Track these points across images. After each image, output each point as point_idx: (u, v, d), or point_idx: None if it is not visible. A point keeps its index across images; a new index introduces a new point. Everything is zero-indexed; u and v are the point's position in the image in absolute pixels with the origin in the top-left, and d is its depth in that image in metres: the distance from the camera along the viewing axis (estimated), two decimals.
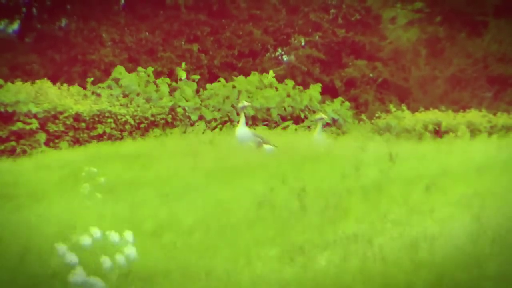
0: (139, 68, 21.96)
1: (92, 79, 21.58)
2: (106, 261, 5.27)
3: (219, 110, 20.59)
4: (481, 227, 5.96)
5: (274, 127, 19.99)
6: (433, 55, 31.25)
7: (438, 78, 30.61)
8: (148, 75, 21.34)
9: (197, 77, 22.25)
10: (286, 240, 6.33)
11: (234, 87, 21.36)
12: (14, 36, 33.08)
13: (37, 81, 19.34)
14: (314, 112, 20.59)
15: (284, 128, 19.95)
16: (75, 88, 20.18)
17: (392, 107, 21.88)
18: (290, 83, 22.04)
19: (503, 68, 29.79)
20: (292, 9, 33.94)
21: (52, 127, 18.37)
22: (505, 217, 6.26)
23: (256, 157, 12.54)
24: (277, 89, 21.68)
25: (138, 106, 19.77)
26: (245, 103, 15.62)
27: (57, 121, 18.47)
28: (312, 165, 10.44)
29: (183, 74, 21.79)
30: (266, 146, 14.35)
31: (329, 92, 29.18)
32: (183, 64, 22.59)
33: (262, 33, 33.08)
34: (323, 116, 16.65)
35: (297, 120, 20.87)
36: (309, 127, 20.12)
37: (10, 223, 7.46)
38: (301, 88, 21.99)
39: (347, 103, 22.50)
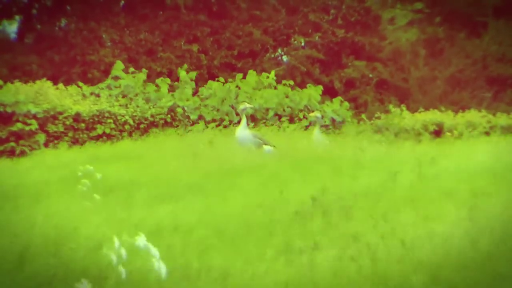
0: (131, 69, 22.01)
1: (88, 85, 21.58)
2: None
3: (218, 110, 20.60)
4: (480, 227, 5.96)
5: (273, 127, 19.98)
6: (433, 55, 31.27)
7: (437, 78, 30.62)
8: (146, 76, 21.41)
9: (195, 73, 22.27)
10: (286, 241, 6.33)
11: (236, 87, 21.38)
12: (13, 36, 33.09)
13: (37, 82, 19.34)
14: (313, 112, 20.60)
15: (283, 128, 19.94)
16: (74, 89, 20.20)
17: (391, 108, 21.87)
18: (289, 83, 22.05)
19: (502, 68, 29.82)
20: (292, 9, 33.95)
21: (51, 128, 18.36)
22: (505, 217, 6.27)
23: (255, 158, 12.54)
24: (276, 89, 21.69)
25: (137, 106, 19.78)
26: (247, 105, 15.59)
27: (56, 121, 18.47)
28: (311, 165, 10.44)
29: (183, 74, 21.80)
30: (265, 147, 14.34)
31: (328, 92, 29.16)
32: (185, 65, 22.60)
33: (262, 34, 33.08)
34: (318, 115, 16.60)
35: (296, 120, 20.87)
36: (307, 126, 20.11)
37: (10, 224, 7.45)
38: (300, 89, 22.00)
39: (347, 103, 22.51)
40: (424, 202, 7.10)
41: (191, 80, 21.72)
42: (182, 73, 21.88)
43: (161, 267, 5.28)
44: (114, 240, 5.37)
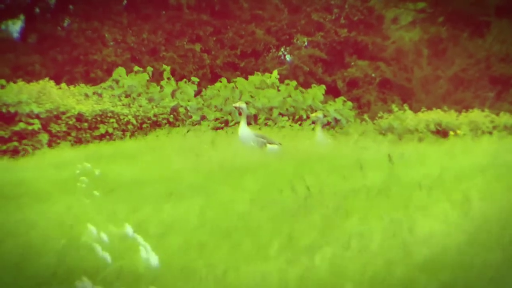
0: (136, 68, 22.04)
1: (90, 84, 21.61)
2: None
3: (221, 110, 20.61)
4: (483, 228, 5.95)
5: (276, 127, 19.98)
6: (436, 55, 31.29)
7: (440, 78, 30.64)
8: (149, 74, 21.44)
9: (196, 79, 22.31)
10: (287, 241, 6.32)
11: (236, 87, 21.40)
12: (16, 36, 33.15)
13: (40, 81, 19.38)
14: (316, 111, 20.58)
15: (286, 127, 19.94)
16: (77, 88, 20.25)
17: (394, 107, 21.85)
18: (292, 83, 22.05)
19: (506, 68, 29.83)
20: (295, 9, 33.99)
21: (54, 127, 18.40)
22: (507, 218, 6.26)
23: (258, 157, 12.53)
24: (279, 90, 21.70)
25: (140, 106, 19.81)
26: (239, 104, 15.59)
27: (59, 121, 18.51)
28: (314, 165, 10.43)
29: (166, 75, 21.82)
30: (269, 146, 14.32)
31: (331, 92, 29.21)
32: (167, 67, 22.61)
33: (265, 33, 33.13)
34: (320, 115, 16.59)
35: (299, 120, 20.87)
36: (312, 129, 20.11)
37: (12, 223, 7.46)
38: (303, 89, 22.00)
39: (349, 103, 22.50)
40: (425, 202, 7.09)
41: (193, 82, 21.74)
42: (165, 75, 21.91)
43: (152, 258, 5.27)
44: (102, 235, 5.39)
